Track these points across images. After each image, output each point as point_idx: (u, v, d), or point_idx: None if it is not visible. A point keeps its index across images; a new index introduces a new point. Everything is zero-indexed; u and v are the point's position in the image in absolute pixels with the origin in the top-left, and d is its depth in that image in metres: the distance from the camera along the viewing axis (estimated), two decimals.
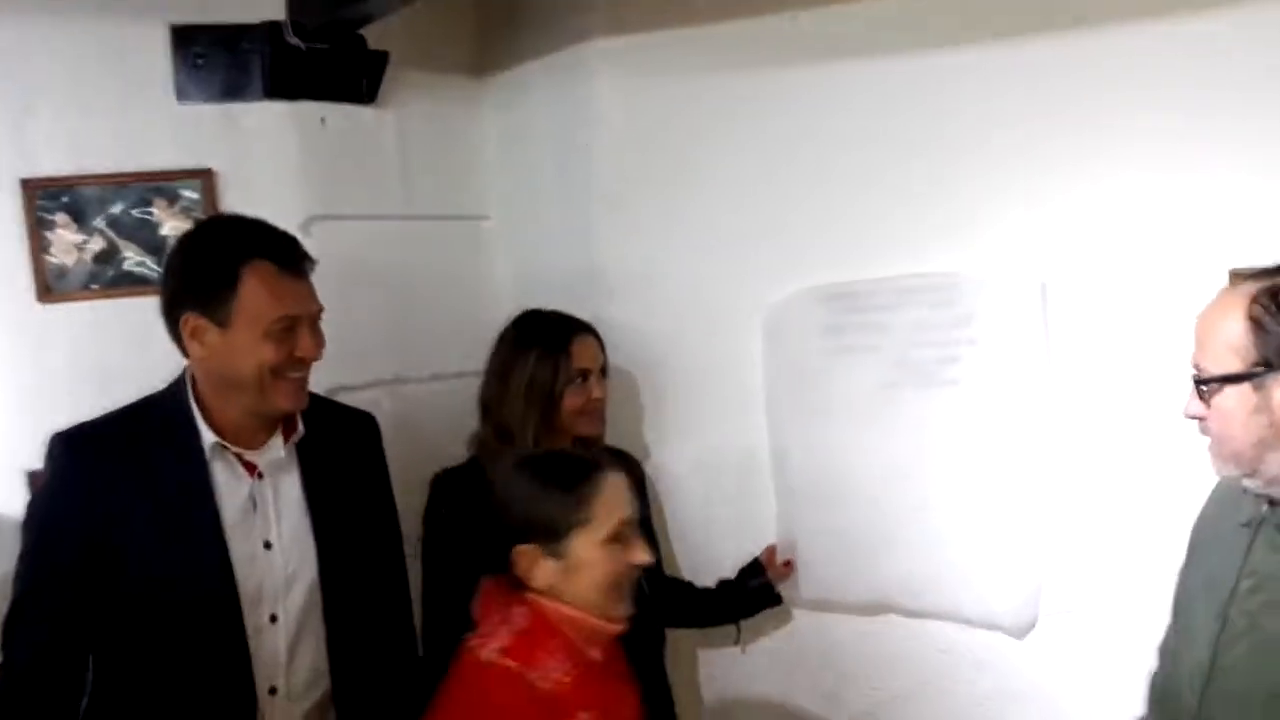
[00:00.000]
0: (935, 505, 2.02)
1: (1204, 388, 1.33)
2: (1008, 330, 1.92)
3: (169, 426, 1.66)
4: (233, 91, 2.15)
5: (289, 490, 1.73)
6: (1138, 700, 1.60)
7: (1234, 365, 1.29)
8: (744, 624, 2.22)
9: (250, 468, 1.69)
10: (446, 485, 2.03)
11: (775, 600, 2.20)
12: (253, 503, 1.68)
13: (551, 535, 1.47)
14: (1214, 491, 1.57)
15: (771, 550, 2.20)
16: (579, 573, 1.47)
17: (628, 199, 2.28)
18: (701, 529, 2.31)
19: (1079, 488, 1.89)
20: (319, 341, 1.70)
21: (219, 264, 1.60)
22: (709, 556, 2.28)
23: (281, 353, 1.63)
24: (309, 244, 2.22)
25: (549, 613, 1.48)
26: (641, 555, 1.52)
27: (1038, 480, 1.92)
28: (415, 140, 2.43)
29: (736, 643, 2.25)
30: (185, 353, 1.68)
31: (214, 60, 2.14)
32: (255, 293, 1.60)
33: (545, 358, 2.01)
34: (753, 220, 2.18)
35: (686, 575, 2.30)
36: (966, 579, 2.00)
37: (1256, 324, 1.27)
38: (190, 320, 1.61)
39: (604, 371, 2.09)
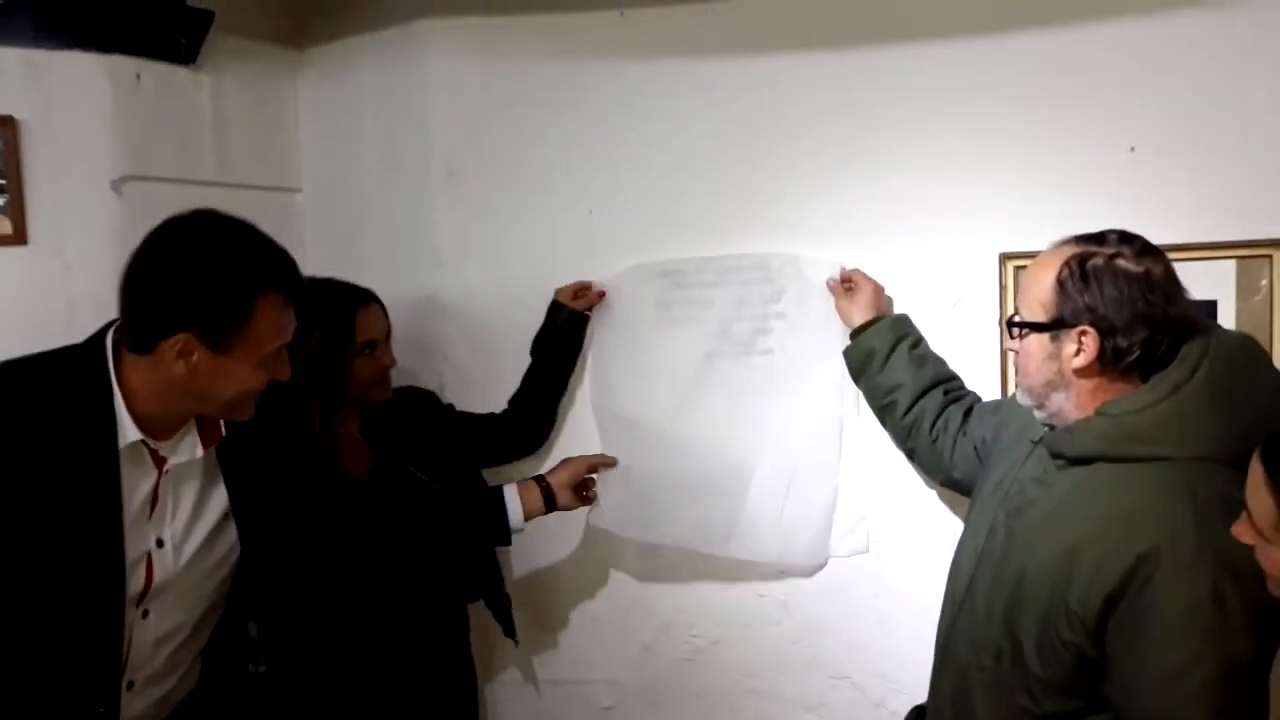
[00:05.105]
0: (745, 462, 2.19)
1: (1014, 329, 1.52)
2: (812, 305, 2.13)
3: (81, 403, 1.48)
4: (40, 37, 2.01)
5: (188, 489, 1.63)
6: (920, 629, 1.80)
7: (1039, 316, 1.46)
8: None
9: (159, 460, 1.56)
10: None
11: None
12: (153, 499, 1.56)
13: None
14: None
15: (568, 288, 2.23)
16: None
17: (464, 177, 2.32)
18: None
19: (869, 444, 2.13)
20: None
21: (235, 294, 1.47)
22: (545, 526, 2.35)
23: (266, 379, 1.55)
24: (119, 203, 2.15)
25: None
26: None
27: (835, 438, 2.15)
28: (231, 106, 2.35)
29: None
30: (140, 349, 1.50)
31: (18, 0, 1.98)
32: (262, 325, 1.50)
33: (330, 333, 1.96)
34: (580, 205, 2.28)
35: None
36: (766, 526, 2.17)
37: (1060, 286, 1.43)
38: (183, 341, 1.46)
39: (388, 335, 2.08)
